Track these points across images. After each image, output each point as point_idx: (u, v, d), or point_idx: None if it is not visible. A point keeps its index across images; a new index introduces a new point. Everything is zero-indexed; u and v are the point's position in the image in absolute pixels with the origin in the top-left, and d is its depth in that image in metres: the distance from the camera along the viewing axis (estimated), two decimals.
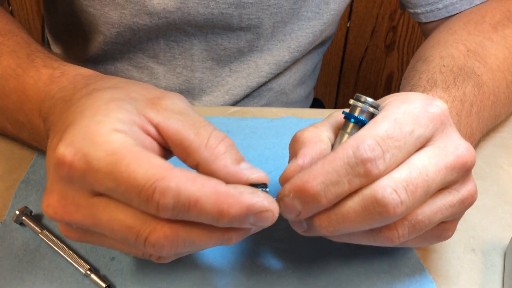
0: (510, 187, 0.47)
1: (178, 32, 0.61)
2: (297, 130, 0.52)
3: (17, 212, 0.39)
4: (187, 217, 0.27)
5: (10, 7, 1.33)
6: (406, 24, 1.39)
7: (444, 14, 0.60)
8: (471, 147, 0.32)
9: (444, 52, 0.49)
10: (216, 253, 0.39)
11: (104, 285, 0.35)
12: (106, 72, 0.68)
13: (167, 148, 0.31)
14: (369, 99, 0.32)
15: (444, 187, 0.32)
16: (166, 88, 0.67)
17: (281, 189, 0.31)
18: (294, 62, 0.69)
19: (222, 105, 0.68)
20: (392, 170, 0.30)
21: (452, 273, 0.39)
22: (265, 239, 0.40)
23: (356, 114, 0.32)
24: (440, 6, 0.60)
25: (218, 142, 0.29)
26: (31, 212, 0.40)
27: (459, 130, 0.40)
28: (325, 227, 0.30)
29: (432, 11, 0.61)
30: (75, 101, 0.32)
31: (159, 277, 0.37)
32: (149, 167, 0.26)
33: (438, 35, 0.54)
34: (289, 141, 0.51)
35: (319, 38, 0.68)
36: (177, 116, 0.30)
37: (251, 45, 0.64)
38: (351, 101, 0.33)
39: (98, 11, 0.60)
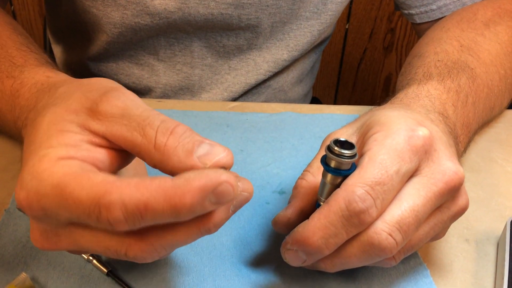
0: (503, 180, 0.48)
1: (178, 30, 0.62)
2: (295, 125, 0.54)
3: None
4: (145, 223, 0.26)
5: (12, 7, 1.34)
6: (404, 26, 1.40)
7: (438, 15, 0.61)
8: (459, 167, 0.33)
9: (438, 48, 0.50)
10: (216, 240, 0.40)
11: (105, 270, 0.36)
12: (107, 70, 0.69)
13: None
14: (345, 152, 0.31)
15: (436, 208, 0.34)
16: (166, 85, 0.68)
17: (284, 241, 0.33)
18: (293, 60, 0.70)
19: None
20: (384, 210, 0.32)
21: (446, 262, 0.40)
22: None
23: (333, 166, 0.32)
24: (434, 7, 0.61)
25: (167, 137, 0.27)
26: None
27: (456, 120, 0.42)
28: (330, 268, 0.34)
29: (426, 12, 0.62)
30: (27, 129, 0.32)
31: (160, 262, 0.37)
32: (90, 186, 0.25)
33: (432, 33, 0.55)
34: (287, 135, 0.52)
35: (318, 39, 0.69)
36: (120, 121, 0.28)
37: (250, 43, 0.65)
38: (327, 152, 0.32)
39: (101, 11, 0.60)
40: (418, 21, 0.63)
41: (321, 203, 0.34)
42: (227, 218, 0.28)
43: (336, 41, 1.43)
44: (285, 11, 0.63)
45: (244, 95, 0.71)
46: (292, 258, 0.33)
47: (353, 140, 0.36)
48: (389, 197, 0.31)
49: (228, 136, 0.51)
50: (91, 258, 0.37)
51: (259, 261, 0.38)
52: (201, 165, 0.27)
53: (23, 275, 0.35)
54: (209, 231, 0.28)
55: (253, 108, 0.56)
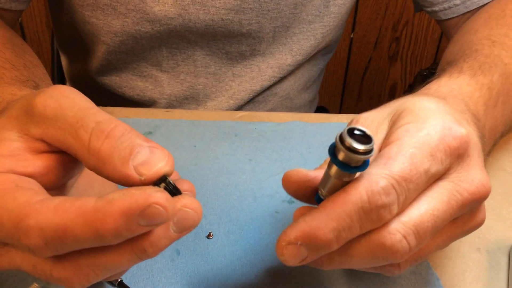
0: None
1: (180, 39, 0.62)
2: (303, 134, 0.54)
3: None
4: (71, 248, 0.24)
5: (20, 19, 1.35)
6: (409, 35, 1.41)
7: (463, 9, 0.59)
8: (487, 179, 0.30)
9: (468, 51, 0.48)
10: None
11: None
12: (111, 83, 0.68)
13: None
14: (359, 147, 0.25)
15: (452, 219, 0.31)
16: (171, 96, 0.68)
17: (283, 234, 0.28)
18: (298, 66, 0.69)
19: (227, 110, 0.69)
20: (403, 210, 0.28)
21: (457, 271, 0.39)
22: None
23: (340, 159, 0.26)
24: (457, 2, 0.59)
25: (102, 141, 0.25)
26: None
27: (485, 123, 0.38)
28: (326, 266, 0.30)
29: (450, 7, 0.60)
30: None
31: (171, 273, 0.37)
32: (12, 208, 0.24)
33: (461, 38, 0.53)
34: (295, 144, 0.52)
35: (322, 42, 0.69)
36: (53, 123, 0.26)
37: (253, 49, 0.65)
38: (336, 141, 0.26)
39: (101, 21, 0.61)
40: (443, 17, 0.61)
41: (322, 196, 0.29)
42: (168, 238, 0.25)
43: (341, 50, 1.44)
44: (286, 16, 0.62)
45: (250, 102, 0.70)
46: (292, 255, 0.28)
47: (384, 126, 0.32)
48: (412, 196, 0.28)
49: (237, 145, 0.51)
50: None
51: (270, 271, 0.38)
52: (137, 176, 0.25)
53: (35, 285, 0.35)
54: (145, 252, 0.25)
55: (260, 117, 0.56)
